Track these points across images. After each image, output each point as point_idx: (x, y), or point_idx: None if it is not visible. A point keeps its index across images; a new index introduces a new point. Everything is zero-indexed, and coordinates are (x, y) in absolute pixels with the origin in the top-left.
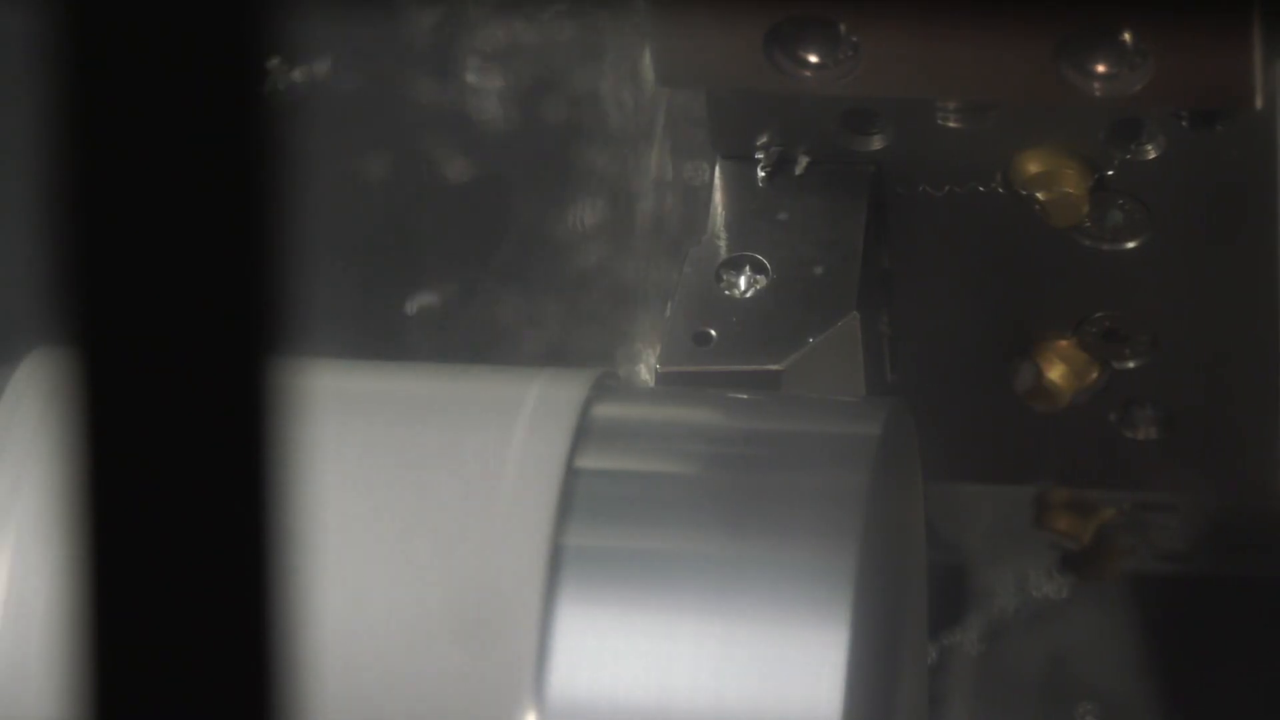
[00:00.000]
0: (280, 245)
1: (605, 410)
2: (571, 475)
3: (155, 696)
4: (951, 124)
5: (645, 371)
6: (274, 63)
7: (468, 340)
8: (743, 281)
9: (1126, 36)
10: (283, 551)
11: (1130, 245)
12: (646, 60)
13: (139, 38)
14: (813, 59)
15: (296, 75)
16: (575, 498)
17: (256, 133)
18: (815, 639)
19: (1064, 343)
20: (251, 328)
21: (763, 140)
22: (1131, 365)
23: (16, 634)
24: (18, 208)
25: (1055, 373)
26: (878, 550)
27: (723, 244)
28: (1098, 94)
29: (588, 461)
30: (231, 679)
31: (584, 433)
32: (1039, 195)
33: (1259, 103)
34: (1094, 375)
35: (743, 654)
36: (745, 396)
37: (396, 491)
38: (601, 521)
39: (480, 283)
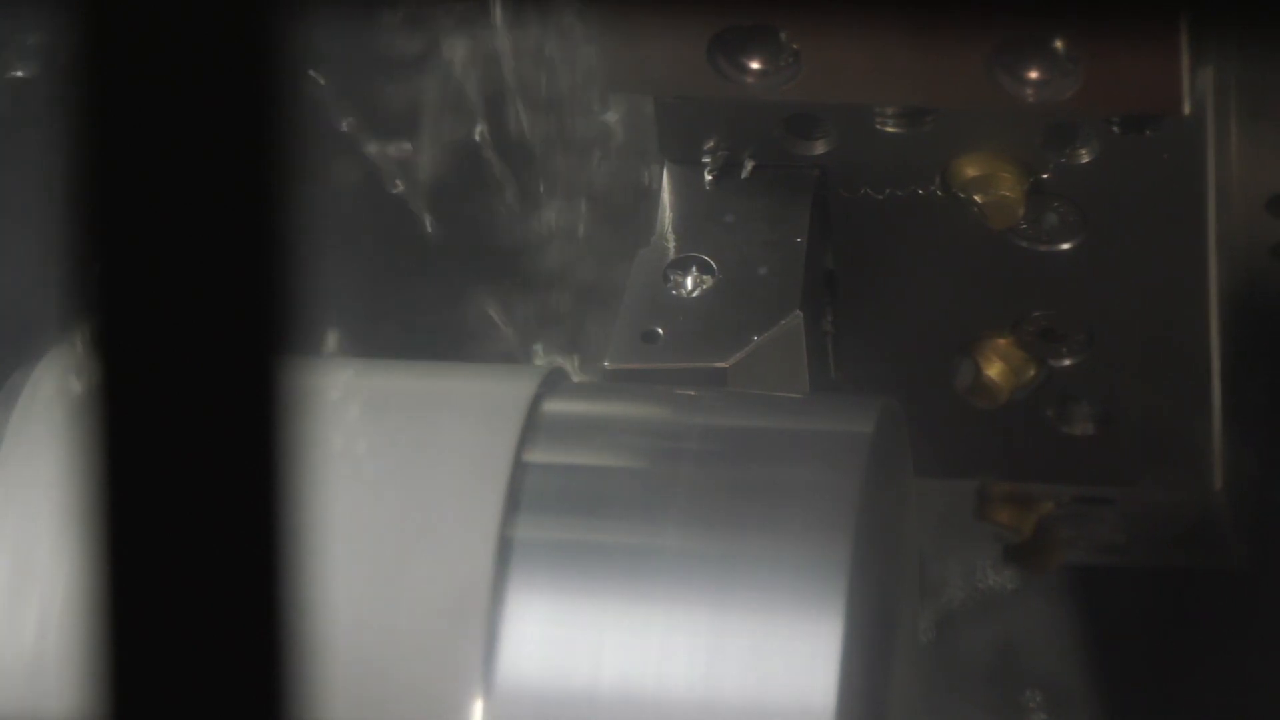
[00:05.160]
0: (291, 246)
1: (555, 406)
2: (520, 469)
3: (167, 686)
4: (890, 129)
5: None
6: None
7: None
8: (690, 281)
9: (1058, 45)
10: (287, 545)
11: (1065, 246)
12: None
13: (154, 38)
14: (755, 66)
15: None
16: (523, 491)
17: (270, 133)
18: (810, 631)
19: (1002, 341)
20: (259, 327)
21: (709, 145)
22: (1068, 363)
23: (33, 628)
24: (33, 209)
25: (994, 370)
26: (871, 544)
27: (671, 245)
28: (1031, 100)
29: (536, 456)
30: (239, 671)
31: (533, 428)
32: (977, 198)
33: (1186, 109)
34: (1031, 373)
35: (737, 645)
36: (732, 395)
37: (348, 486)
38: (552, 514)
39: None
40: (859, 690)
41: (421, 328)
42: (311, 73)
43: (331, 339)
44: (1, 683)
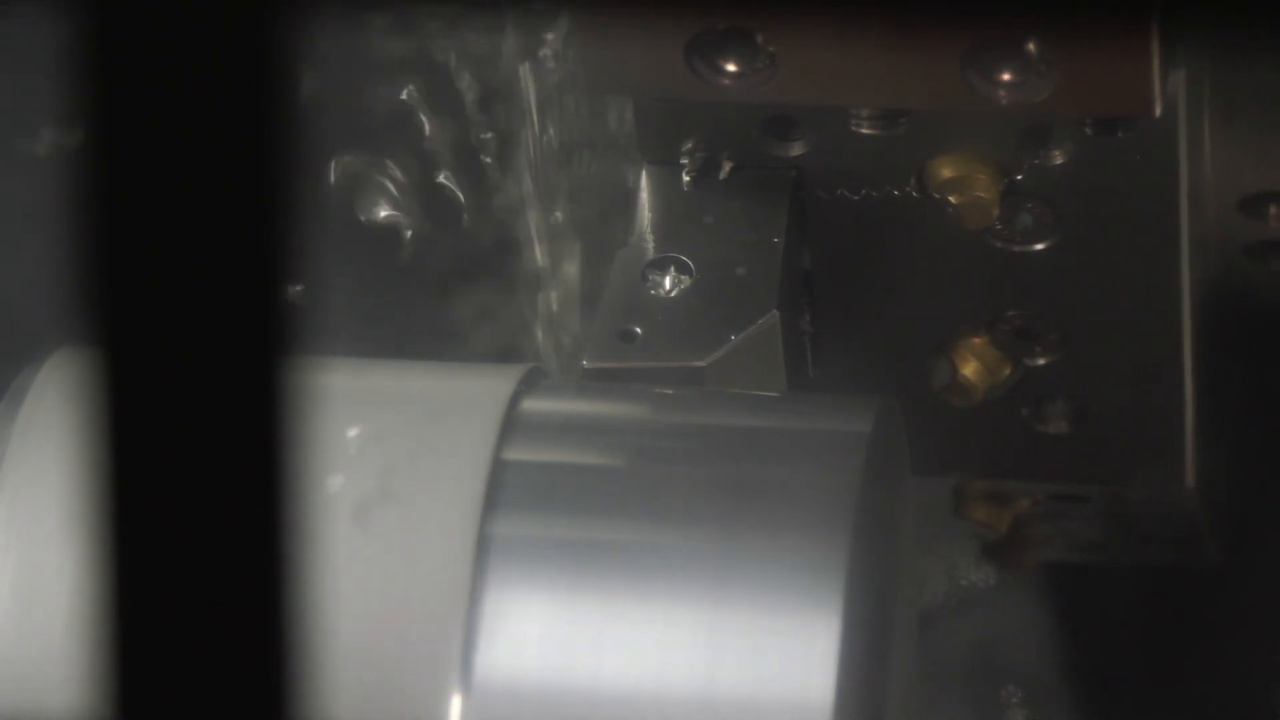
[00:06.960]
0: (293, 247)
1: (534, 404)
2: (498, 467)
3: (172, 685)
4: (866, 130)
5: None
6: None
7: None
8: (668, 281)
9: (1031, 47)
10: (284, 545)
11: (1040, 246)
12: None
13: (158, 41)
14: (731, 68)
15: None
16: (502, 489)
17: (272, 135)
18: (807, 628)
19: (977, 340)
20: (263, 327)
21: (688, 146)
22: (1042, 362)
23: (40, 628)
24: (39, 211)
25: (969, 369)
26: (869, 542)
27: (649, 245)
28: (1004, 102)
29: (515, 454)
30: (238, 668)
31: (512, 426)
32: (952, 199)
33: (1158, 111)
34: (1006, 372)
35: (734, 642)
36: (729, 394)
37: (329, 484)
38: (531, 511)
39: None
40: (857, 687)
41: (405, 327)
42: (308, 74)
43: (321, 340)
44: (10, 684)
